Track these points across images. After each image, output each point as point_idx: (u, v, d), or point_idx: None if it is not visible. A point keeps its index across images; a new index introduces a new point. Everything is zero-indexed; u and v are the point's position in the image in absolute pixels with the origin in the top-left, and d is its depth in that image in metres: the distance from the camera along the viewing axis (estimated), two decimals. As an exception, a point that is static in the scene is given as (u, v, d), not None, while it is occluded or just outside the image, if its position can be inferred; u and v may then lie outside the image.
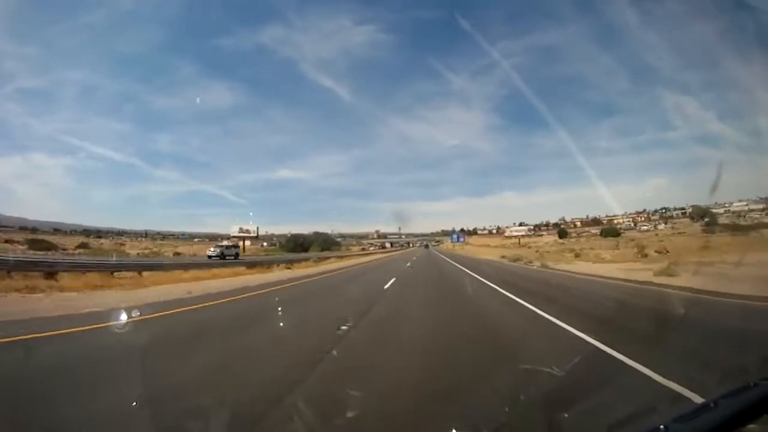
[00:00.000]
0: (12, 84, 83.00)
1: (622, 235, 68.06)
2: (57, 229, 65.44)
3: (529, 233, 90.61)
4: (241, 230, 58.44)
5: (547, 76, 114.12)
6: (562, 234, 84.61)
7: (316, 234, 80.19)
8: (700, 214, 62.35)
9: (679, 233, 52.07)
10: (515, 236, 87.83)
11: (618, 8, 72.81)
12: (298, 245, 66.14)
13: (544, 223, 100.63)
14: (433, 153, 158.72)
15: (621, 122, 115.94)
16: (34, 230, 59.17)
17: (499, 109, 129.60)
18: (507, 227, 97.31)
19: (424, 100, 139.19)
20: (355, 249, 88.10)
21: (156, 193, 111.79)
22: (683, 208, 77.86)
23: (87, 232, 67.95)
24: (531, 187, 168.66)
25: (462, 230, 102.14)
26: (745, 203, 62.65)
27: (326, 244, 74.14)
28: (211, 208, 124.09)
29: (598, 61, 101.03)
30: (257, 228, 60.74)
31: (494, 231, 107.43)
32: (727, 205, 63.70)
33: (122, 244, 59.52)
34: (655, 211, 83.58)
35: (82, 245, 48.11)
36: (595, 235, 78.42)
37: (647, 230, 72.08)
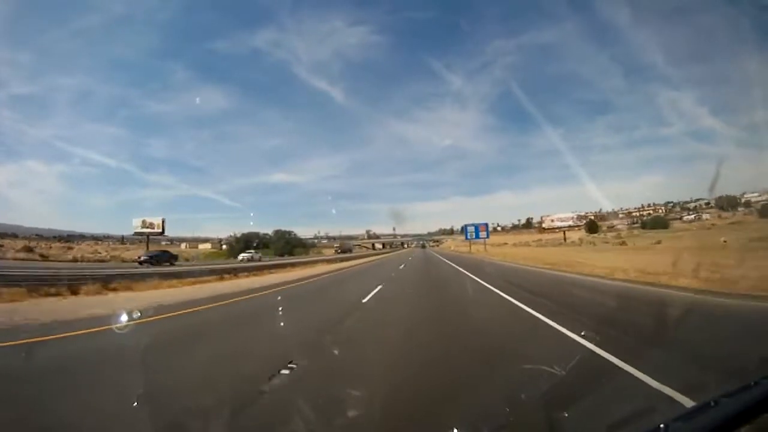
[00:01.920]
0: (5, 90, 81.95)
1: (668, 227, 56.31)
2: (39, 235, 64.48)
3: (578, 222, 62.76)
4: (144, 224, 46.00)
5: (542, 74, 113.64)
6: (593, 228, 65.14)
7: (278, 233, 64.68)
8: (730, 203, 60.42)
9: (736, 223, 44.42)
10: (558, 228, 60.63)
11: (611, 5, 72.67)
12: (251, 247, 55.00)
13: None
14: (429, 154, 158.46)
15: (616, 119, 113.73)
16: (14, 236, 58.76)
17: (494, 108, 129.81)
18: (547, 216, 63.62)
19: (418, 101, 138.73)
20: (328, 252, 67.40)
21: (151, 198, 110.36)
22: (687, 201, 74.27)
23: (71, 237, 67.01)
24: (527, 186, 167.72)
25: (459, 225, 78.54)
26: (757, 194, 60.03)
27: (288, 246, 60.90)
28: (207, 213, 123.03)
29: (592, 59, 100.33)
30: (162, 221, 46.65)
31: (499, 227, 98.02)
32: (738, 196, 62.02)
33: (71, 248, 55.15)
34: (666, 204, 77.42)
35: (26, 248, 44.66)
36: (634, 228, 64.39)
37: (692, 221, 62.50)
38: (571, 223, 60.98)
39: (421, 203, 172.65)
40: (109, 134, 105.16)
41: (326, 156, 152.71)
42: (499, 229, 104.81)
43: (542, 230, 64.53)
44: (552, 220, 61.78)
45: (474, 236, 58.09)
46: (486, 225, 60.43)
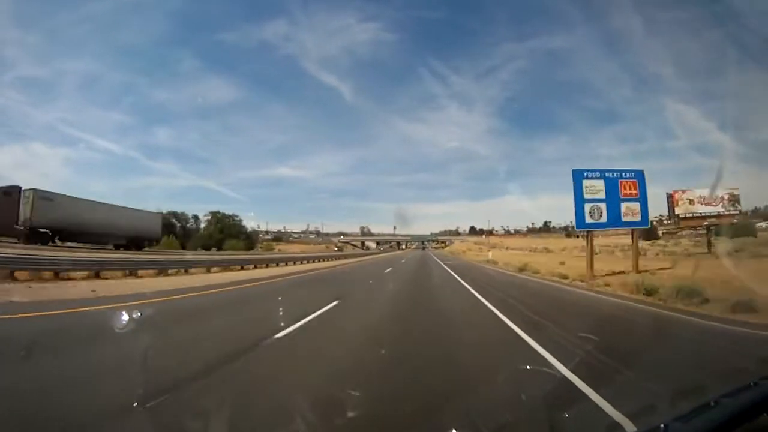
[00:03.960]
0: (13, 72, 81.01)
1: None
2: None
3: (730, 209, 31.78)
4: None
5: (550, 80, 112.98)
6: (651, 233, 44.08)
7: (214, 217, 48.76)
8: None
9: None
10: (704, 217, 32.25)
11: (623, 15, 72.36)
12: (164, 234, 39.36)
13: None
14: (434, 155, 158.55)
15: (622, 129, 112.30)
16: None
17: (500, 112, 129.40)
18: (682, 193, 33.34)
19: (425, 101, 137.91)
20: (294, 249, 54.08)
21: (155, 186, 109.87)
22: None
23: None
24: (531, 192, 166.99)
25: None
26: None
27: (213, 238, 44.92)
28: (210, 204, 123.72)
29: (602, 68, 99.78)
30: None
31: (512, 231, 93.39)
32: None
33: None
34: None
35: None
36: (700, 234, 39.54)
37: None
38: (720, 208, 32.00)
39: (423, 204, 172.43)
40: (115, 121, 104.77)
41: (330, 153, 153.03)
42: (512, 232, 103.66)
43: (680, 219, 34.05)
44: (691, 202, 32.89)
45: (611, 221, 17.39)
46: (640, 177, 17.98)
